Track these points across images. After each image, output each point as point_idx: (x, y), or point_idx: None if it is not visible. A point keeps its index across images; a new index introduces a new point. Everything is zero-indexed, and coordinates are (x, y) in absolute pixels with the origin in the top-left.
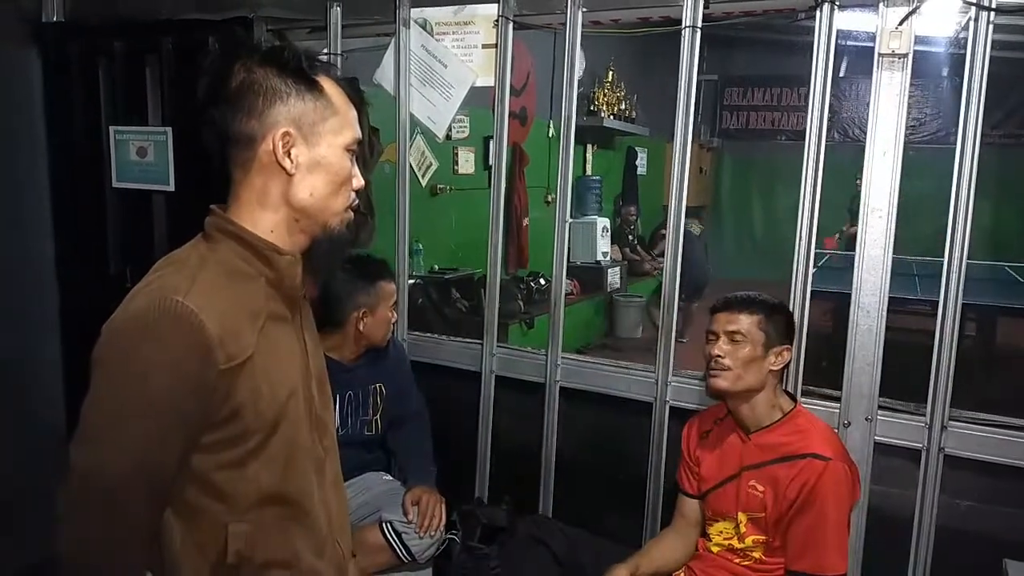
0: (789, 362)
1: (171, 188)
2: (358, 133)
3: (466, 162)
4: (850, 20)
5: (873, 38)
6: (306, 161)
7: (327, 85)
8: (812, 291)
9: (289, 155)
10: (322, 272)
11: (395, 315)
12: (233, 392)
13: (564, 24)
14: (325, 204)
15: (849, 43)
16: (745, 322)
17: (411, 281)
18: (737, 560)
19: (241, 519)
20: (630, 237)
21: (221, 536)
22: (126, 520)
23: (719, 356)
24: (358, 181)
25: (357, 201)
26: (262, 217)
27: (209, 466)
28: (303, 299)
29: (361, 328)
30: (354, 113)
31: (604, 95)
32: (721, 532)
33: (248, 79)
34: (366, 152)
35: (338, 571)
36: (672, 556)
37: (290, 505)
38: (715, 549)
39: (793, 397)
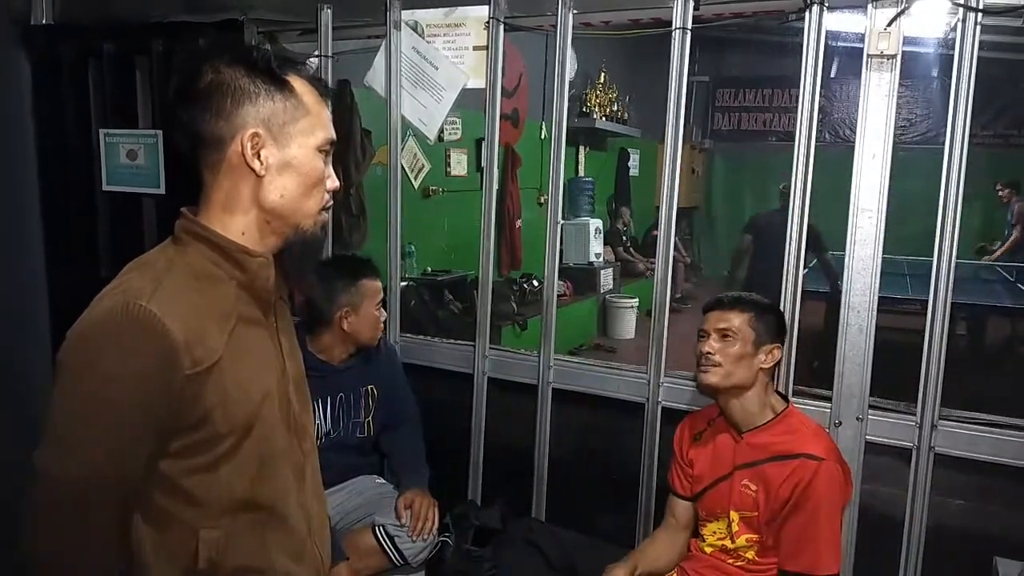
0: (780, 361)
1: (161, 191)
2: (331, 133)
3: (458, 164)
4: (839, 21)
5: (862, 39)
6: (276, 162)
7: (298, 85)
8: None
9: (259, 156)
10: (296, 274)
11: (383, 314)
12: (201, 396)
13: (555, 26)
14: (296, 206)
15: (839, 44)
16: (735, 320)
17: (403, 283)
18: (730, 560)
19: (213, 525)
20: (623, 238)
21: (192, 542)
22: (91, 525)
23: (709, 353)
24: (332, 182)
25: (332, 202)
26: (233, 219)
27: (179, 471)
28: (280, 301)
29: (346, 327)
30: (327, 113)
31: (596, 96)
32: (714, 532)
33: (216, 79)
34: (358, 154)
35: (316, 575)
36: (666, 556)
37: (265, 510)
38: (708, 550)
39: (785, 398)
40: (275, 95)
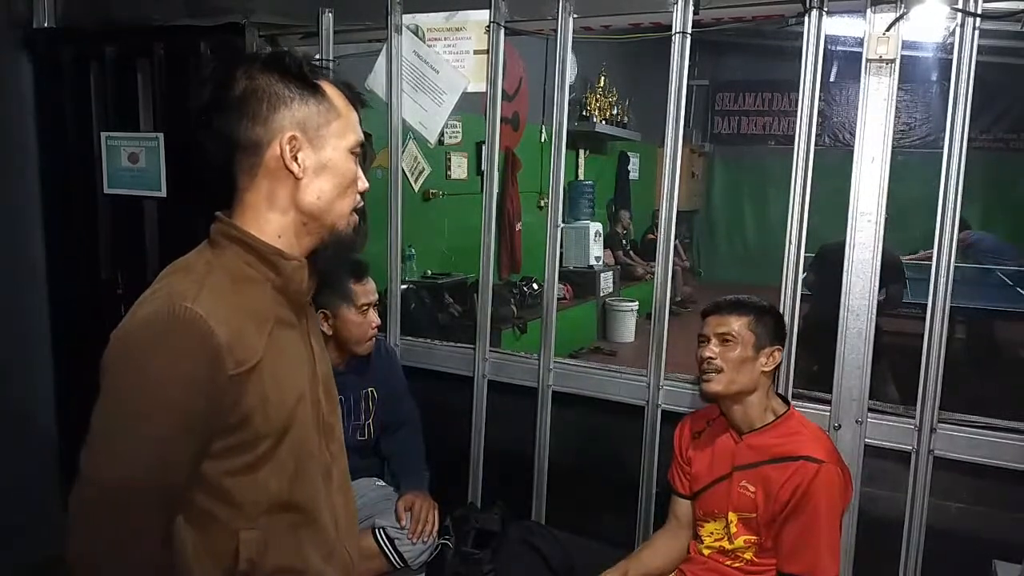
0: (781, 363)
1: (163, 194)
2: (360, 135)
3: (459, 167)
4: (838, 26)
5: (861, 44)
6: (312, 164)
7: (328, 89)
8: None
9: (296, 159)
10: (329, 275)
11: (374, 319)
12: (242, 398)
13: (555, 30)
14: (331, 207)
15: (839, 48)
16: (735, 324)
17: (404, 286)
18: (728, 562)
19: (252, 525)
20: (623, 242)
21: (232, 543)
22: (134, 527)
23: (711, 358)
24: (363, 183)
25: (362, 203)
26: (270, 222)
27: (220, 472)
28: (309, 304)
29: (327, 330)
30: (355, 116)
31: (596, 100)
32: (712, 533)
33: (251, 86)
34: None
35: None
36: (664, 558)
37: (299, 511)
38: (706, 551)
39: (786, 400)
40: (309, 99)
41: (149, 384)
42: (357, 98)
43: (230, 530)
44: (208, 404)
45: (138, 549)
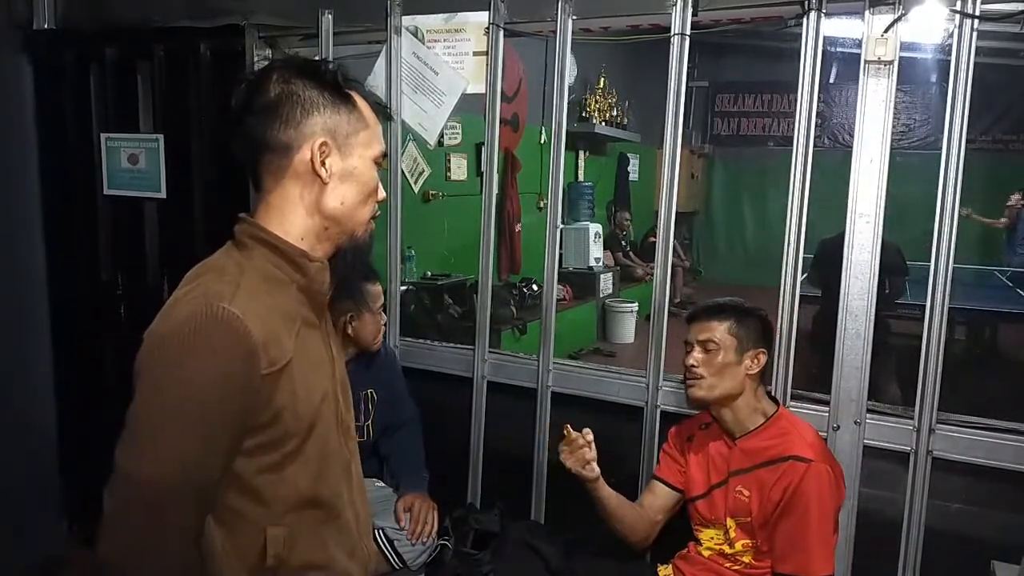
0: (766, 365)
1: (162, 195)
2: (384, 147)
3: (458, 168)
4: (837, 27)
5: (860, 45)
6: (339, 171)
7: (358, 100)
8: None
9: (324, 164)
10: (347, 279)
11: (383, 317)
12: (274, 396)
13: (555, 31)
14: (353, 213)
15: (837, 50)
16: (716, 329)
17: (403, 287)
18: (728, 564)
19: (279, 522)
20: (623, 243)
21: (260, 539)
22: (169, 524)
23: (693, 366)
24: (383, 192)
25: (379, 212)
26: (294, 224)
27: (250, 470)
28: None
29: (350, 332)
30: (380, 128)
31: (596, 101)
32: (712, 537)
33: (287, 90)
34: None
35: (365, 572)
36: (633, 514)
37: (324, 507)
38: (706, 553)
39: (776, 400)
40: (340, 108)
41: (186, 382)
42: (384, 111)
43: (258, 527)
44: (242, 402)
45: (172, 547)
